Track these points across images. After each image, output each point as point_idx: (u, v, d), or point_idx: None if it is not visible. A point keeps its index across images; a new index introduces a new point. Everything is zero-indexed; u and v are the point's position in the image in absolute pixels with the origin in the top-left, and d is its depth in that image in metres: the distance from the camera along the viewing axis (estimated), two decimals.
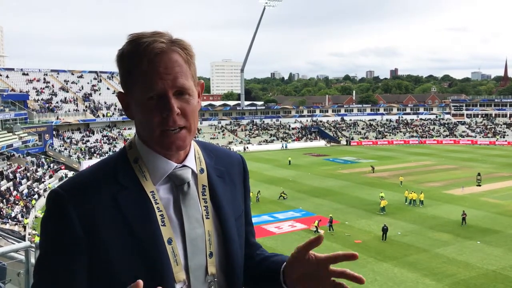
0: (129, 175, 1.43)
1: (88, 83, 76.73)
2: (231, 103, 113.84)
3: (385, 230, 28.73)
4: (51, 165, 50.63)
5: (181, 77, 1.37)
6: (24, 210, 34.73)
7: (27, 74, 71.74)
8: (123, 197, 1.39)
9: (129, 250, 1.36)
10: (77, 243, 1.36)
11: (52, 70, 75.86)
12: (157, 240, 1.40)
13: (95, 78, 78.91)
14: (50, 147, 58.29)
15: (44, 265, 1.39)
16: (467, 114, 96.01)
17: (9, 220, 31.60)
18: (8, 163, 45.27)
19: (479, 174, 41.49)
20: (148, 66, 1.35)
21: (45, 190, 41.55)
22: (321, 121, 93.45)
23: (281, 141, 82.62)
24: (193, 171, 1.52)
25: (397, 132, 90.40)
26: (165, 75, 1.35)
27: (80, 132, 66.36)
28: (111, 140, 66.24)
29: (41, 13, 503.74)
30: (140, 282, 1.22)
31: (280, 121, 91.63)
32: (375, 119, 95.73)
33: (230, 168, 1.66)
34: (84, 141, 63.79)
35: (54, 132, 61.26)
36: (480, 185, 39.95)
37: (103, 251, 1.36)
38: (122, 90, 1.47)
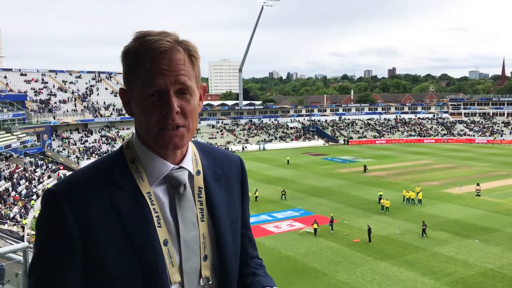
0: (125, 175, 1.42)
1: (86, 83, 76.58)
2: (230, 102, 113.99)
3: (369, 230, 28.52)
4: (50, 165, 50.55)
5: (184, 75, 1.36)
6: (22, 210, 34.66)
7: (25, 75, 71.60)
8: (119, 197, 1.38)
9: (125, 251, 1.35)
10: (73, 243, 1.35)
11: (50, 71, 75.73)
12: (153, 241, 1.38)
13: (93, 79, 78.78)
14: (48, 147, 58.18)
15: (39, 265, 1.37)
16: (465, 113, 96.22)
17: (8, 220, 31.56)
18: (7, 163, 45.17)
19: (478, 184, 41.26)
20: (150, 63, 1.34)
21: (43, 191, 41.46)
22: (319, 121, 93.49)
23: (258, 142, 79.93)
24: (189, 173, 1.50)
25: (395, 131, 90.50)
26: (167, 72, 1.34)
27: (79, 132, 66.29)
28: (109, 140, 66.19)
29: (39, 14, 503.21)
30: None
31: (278, 121, 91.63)
32: (373, 118, 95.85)
33: (228, 170, 1.64)
34: (82, 141, 63.73)
35: (52, 133, 61.19)
36: (479, 195, 39.83)
37: (98, 251, 1.35)
38: (124, 87, 1.46)
